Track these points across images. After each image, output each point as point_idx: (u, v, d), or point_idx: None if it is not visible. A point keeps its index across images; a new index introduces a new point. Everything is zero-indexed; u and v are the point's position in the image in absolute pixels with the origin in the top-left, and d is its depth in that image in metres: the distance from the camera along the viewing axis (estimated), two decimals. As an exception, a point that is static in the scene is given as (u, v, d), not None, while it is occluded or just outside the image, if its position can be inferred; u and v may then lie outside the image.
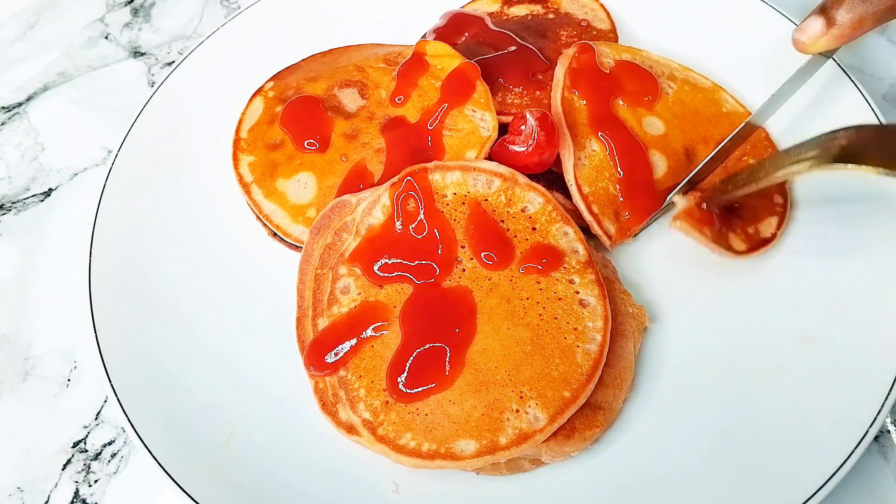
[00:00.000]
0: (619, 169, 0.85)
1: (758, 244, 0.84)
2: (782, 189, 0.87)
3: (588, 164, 0.86)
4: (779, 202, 0.87)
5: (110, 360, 0.78)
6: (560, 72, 0.91)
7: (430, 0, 1.07)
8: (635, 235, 0.86)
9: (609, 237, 0.85)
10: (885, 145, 0.71)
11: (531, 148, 0.82)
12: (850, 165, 0.68)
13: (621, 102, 0.90)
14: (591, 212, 0.84)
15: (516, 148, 0.83)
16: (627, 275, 0.85)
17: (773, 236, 0.85)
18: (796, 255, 0.84)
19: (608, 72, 0.92)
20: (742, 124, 0.88)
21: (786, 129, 0.92)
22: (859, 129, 0.73)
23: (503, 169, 0.82)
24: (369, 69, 0.98)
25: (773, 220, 0.86)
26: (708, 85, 0.96)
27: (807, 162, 0.73)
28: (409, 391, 0.71)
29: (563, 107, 0.88)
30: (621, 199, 0.85)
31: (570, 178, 0.85)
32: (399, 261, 0.77)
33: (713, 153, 0.88)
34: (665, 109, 0.91)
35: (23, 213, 1.03)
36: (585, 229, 0.83)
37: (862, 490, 0.74)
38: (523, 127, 0.83)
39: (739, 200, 0.85)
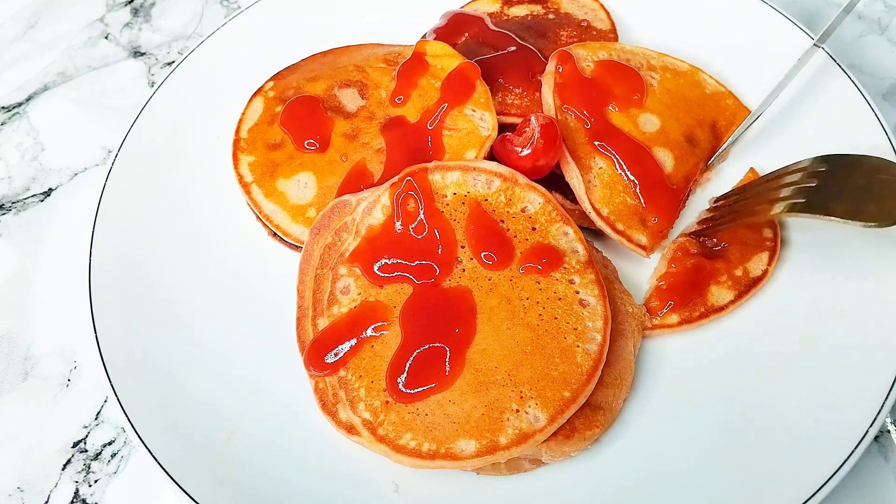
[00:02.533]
0: (630, 178, 0.84)
1: (747, 286, 0.80)
2: (771, 222, 0.84)
3: (599, 183, 0.84)
4: (768, 236, 0.84)
5: (110, 360, 0.78)
6: (548, 94, 0.89)
7: (430, 0, 1.07)
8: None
9: (644, 248, 0.83)
10: (849, 186, 0.75)
11: (525, 152, 0.82)
12: (812, 216, 0.75)
13: (613, 108, 0.89)
14: (616, 231, 0.82)
15: (515, 147, 0.83)
16: (627, 275, 0.85)
17: (765, 273, 0.81)
18: (796, 254, 0.83)
19: (591, 77, 0.91)
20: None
21: (786, 129, 0.92)
22: (830, 161, 0.78)
23: (503, 169, 0.81)
24: (369, 69, 0.97)
25: (764, 256, 0.82)
26: (686, 68, 0.96)
27: (781, 204, 0.78)
28: (409, 391, 0.71)
29: (561, 132, 0.85)
30: (644, 205, 0.84)
31: (586, 205, 0.83)
32: (399, 261, 0.77)
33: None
34: (655, 102, 0.91)
35: (23, 213, 1.03)
36: (586, 229, 0.83)
37: (862, 490, 0.74)
38: (527, 129, 0.83)
39: (728, 237, 0.83)
